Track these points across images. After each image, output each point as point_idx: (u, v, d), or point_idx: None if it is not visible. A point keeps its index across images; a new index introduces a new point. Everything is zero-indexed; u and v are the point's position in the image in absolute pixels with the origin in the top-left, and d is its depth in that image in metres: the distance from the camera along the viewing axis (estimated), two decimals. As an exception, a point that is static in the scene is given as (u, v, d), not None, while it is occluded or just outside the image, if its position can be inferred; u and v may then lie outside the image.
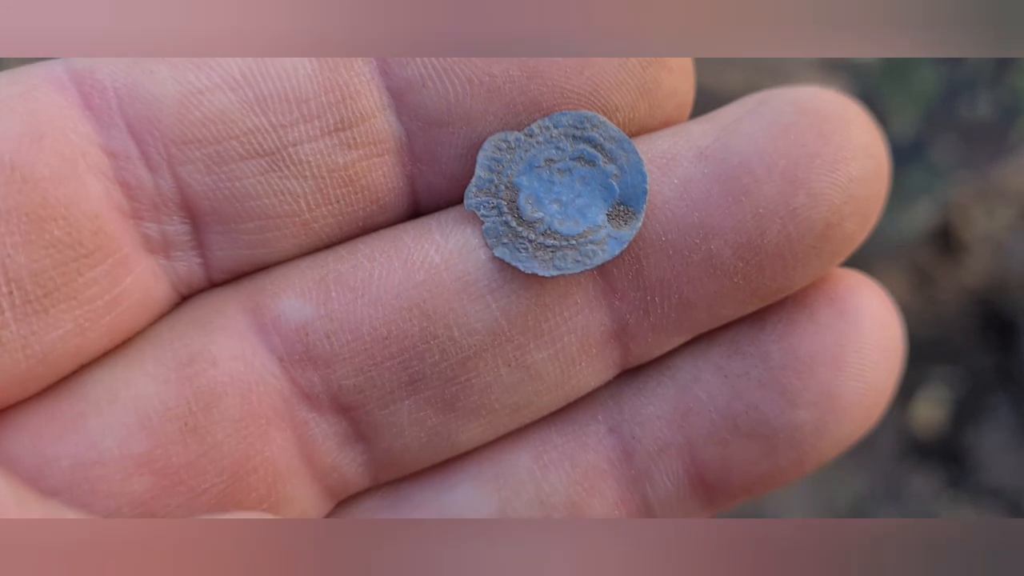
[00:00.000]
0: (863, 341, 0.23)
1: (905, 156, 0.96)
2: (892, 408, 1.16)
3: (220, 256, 0.23)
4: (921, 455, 1.17)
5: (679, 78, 0.23)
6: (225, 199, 0.22)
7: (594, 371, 0.24)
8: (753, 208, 0.22)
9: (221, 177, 0.21)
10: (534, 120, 0.22)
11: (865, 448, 1.01)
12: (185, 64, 0.21)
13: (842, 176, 0.22)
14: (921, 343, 1.19)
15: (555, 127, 0.22)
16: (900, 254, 1.30)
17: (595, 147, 0.23)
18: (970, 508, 1.11)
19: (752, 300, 0.23)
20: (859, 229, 0.23)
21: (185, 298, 0.23)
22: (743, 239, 0.22)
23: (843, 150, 0.22)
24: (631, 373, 0.25)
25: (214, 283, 0.23)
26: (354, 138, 0.22)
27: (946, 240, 1.28)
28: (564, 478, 0.25)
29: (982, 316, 1.24)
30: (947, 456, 1.17)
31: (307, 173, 0.22)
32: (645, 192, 0.22)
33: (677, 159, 0.22)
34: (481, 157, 0.22)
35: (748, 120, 0.22)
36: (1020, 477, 1.13)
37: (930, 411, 1.17)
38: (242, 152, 0.21)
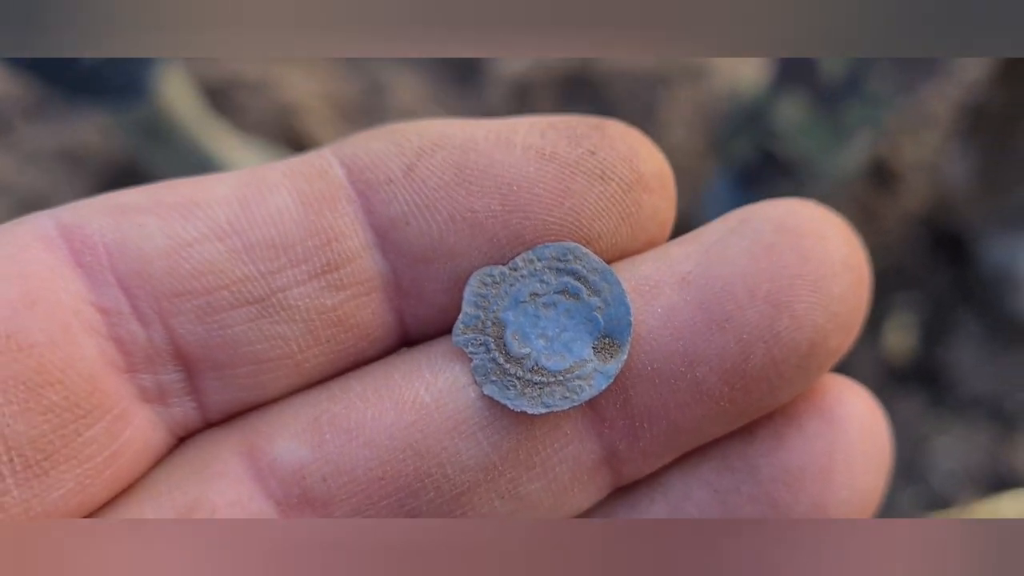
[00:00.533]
0: (851, 450, 0.24)
1: (841, 94, 0.95)
2: (864, 342, 1.17)
3: (215, 400, 0.23)
4: (900, 381, 1.20)
5: (660, 197, 0.23)
6: (217, 347, 0.22)
7: (587, 495, 0.24)
8: (737, 334, 0.22)
9: (212, 326, 0.22)
10: (518, 253, 0.22)
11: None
12: (173, 215, 0.21)
13: (824, 296, 0.22)
14: (877, 274, 1.21)
15: (539, 260, 0.22)
16: (842, 192, 1.30)
17: (579, 279, 0.23)
18: (957, 423, 1.15)
19: (739, 419, 0.23)
20: (843, 342, 0.23)
21: (183, 439, 0.24)
22: (728, 365, 0.22)
23: (823, 267, 0.22)
24: (624, 490, 0.25)
25: (210, 424, 0.24)
26: (341, 279, 0.22)
27: (880, 172, 1.29)
28: None
29: (929, 237, 1.26)
30: (925, 377, 1.20)
31: (297, 317, 0.22)
32: (630, 324, 0.22)
33: (660, 286, 0.23)
34: (467, 293, 0.23)
35: (729, 241, 0.23)
36: (996, 383, 1.16)
37: (900, 338, 1.19)
38: (232, 301, 0.22)
